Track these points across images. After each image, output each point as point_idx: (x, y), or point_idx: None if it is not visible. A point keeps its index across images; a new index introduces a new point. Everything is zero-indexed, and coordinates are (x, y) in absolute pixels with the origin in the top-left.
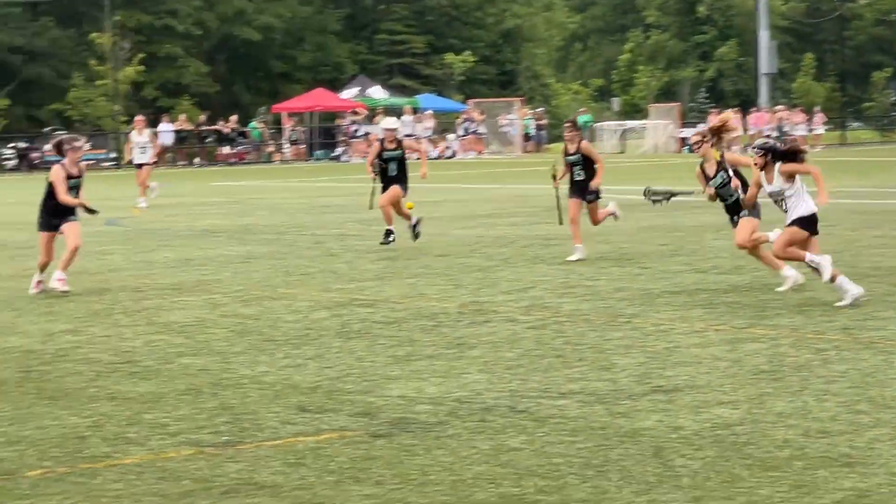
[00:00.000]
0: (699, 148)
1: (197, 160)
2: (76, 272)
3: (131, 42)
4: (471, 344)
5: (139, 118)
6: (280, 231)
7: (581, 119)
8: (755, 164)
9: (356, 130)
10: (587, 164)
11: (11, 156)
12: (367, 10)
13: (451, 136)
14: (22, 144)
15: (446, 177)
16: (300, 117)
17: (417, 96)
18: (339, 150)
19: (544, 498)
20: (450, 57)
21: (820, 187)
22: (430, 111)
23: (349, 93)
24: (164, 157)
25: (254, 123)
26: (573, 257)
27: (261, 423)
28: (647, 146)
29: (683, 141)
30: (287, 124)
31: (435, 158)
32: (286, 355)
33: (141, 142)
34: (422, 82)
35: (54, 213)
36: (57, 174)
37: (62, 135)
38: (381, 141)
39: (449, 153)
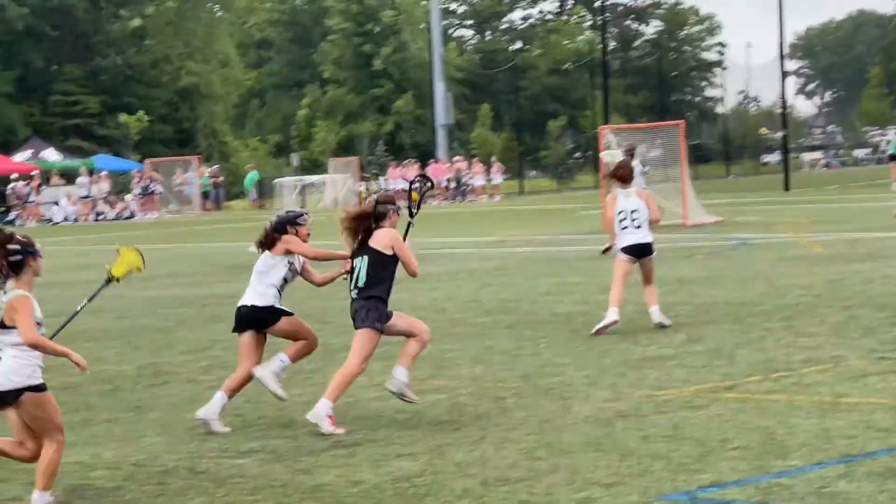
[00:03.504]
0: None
1: None
2: None
3: None
4: (149, 406)
5: None
6: None
7: (248, 178)
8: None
9: (29, 194)
10: None
11: None
12: (39, 71)
13: (128, 197)
14: None
15: (125, 238)
16: None
17: (93, 157)
18: (12, 215)
19: None
20: (124, 117)
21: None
22: (105, 172)
23: (22, 155)
24: None
25: None
26: None
27: None
28: (328, 200)
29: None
30: None
31: (113, 219)
32: None
33: None
34: (98, 143)
35: None
36: None
37: None
38: None
39: (127, 213)
